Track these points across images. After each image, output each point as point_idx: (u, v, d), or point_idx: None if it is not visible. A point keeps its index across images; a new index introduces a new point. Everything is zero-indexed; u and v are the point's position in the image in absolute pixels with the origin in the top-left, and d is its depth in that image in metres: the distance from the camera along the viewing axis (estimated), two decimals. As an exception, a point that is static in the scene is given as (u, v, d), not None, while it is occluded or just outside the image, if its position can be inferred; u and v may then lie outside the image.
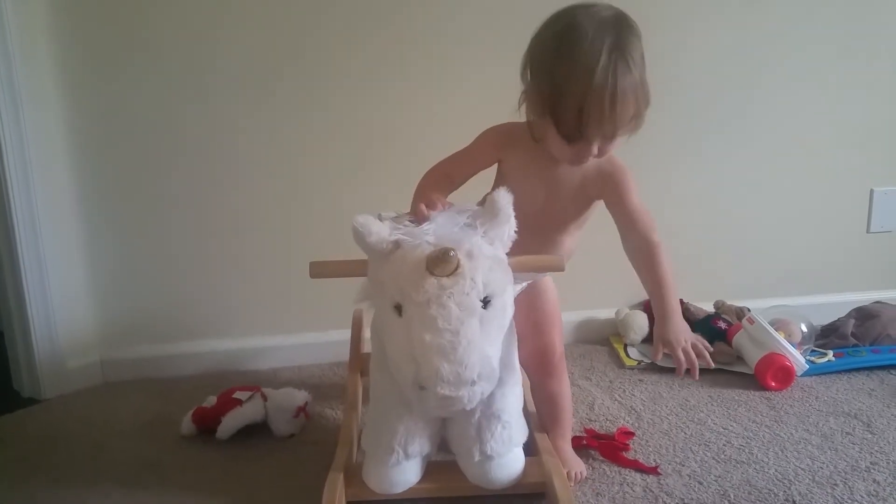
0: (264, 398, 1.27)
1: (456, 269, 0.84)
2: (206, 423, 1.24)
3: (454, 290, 0.83)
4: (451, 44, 1.54)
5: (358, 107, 1.54)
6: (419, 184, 1.03)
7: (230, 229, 1.56)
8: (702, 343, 0.96)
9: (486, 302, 0.86)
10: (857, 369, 1.47)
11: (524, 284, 1.03)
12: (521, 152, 1.01)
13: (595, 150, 0.93)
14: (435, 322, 0.82)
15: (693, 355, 0.95)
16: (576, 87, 0.87)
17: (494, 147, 1.03)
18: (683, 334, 0.96)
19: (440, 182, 1.03)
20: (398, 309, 0.86)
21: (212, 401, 1.29)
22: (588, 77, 0.86)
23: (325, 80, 1.52)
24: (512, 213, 0.90)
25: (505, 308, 0.89)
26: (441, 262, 0.83)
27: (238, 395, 1.27)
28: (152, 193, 1.52)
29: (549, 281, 1.11)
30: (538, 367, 1.11)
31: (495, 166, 1.07)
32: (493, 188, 1.03)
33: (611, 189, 1.00)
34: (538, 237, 1.01)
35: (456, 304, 0.83)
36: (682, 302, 1.65)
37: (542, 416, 1.13)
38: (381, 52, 1.52)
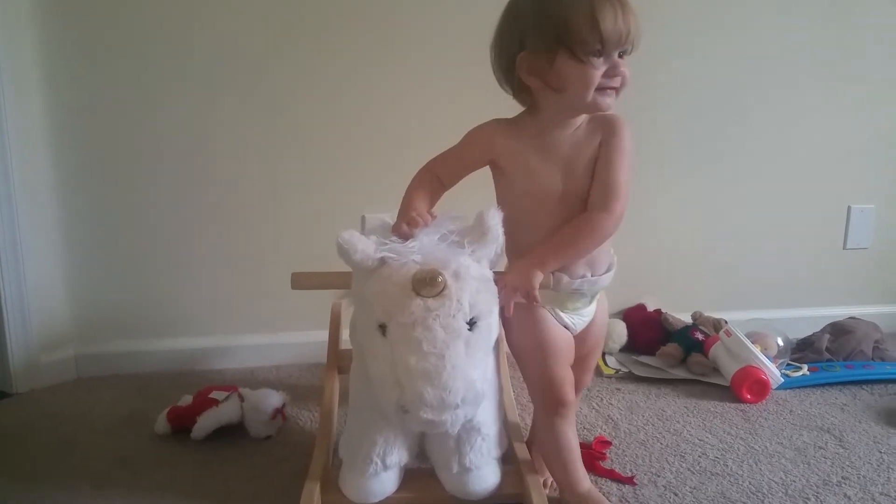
0: (241, 399, 1.26)
1: (442, 290, 0.82)
2: (182, 422, 1.23)
3: (440, 312, 0.81)
4: (438, 43, 1.54)
5: (341, 105, 1.53)
6: (408, 187, 0.98)
7: (209, 225, 1.54)
8: (529, 294, 0.91)
9: (471, 324, 0.84)
10: (831, 384, 1.49)
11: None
12: (517, 142, 0.94)
13: (622, 66, 0.87)
14: (420, 345, 0.80)
15: (506, 296, 0.91)
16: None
17: (483, 145, 0.96)
18: (519, 278, 0.91)
19: (430, 186, 0.98)
20: (382, 329, 0.84)
21: (187, 400, 1.27)
22: None
23: (307, 78, 1.51)
24: (501, 233, 0.88)
25: (491, 329, 0.87)
26: (427, 283, 0.82)
27: (215, 394, 1.26)
28: (131, 188, 1.50)
29: (603, 299, 1.06)
30: (551, 402, 0.99)
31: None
32: (497, 193, 1.00)
33: (607, 136, 0.93)
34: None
35: (442, 326, 0.81)
36: (660, 312, 1.68)
37: (549, 460, 1.04)
38: (364, 51, 1.52)
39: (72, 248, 1.50)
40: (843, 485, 1.10)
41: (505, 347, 1.23)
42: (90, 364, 1.53)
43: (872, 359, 1.60)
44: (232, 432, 1.23)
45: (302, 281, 0.97)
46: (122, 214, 1.51)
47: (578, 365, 1.03)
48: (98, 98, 1.45)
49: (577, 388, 1.07)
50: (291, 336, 1.60)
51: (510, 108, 0.98)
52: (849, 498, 1.07)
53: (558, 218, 0.93)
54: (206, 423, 1.21)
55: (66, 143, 1.45)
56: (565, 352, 0.98)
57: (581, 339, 1.03)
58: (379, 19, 1.51)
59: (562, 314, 0.99)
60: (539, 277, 0.91)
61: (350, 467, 0.97)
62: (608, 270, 0.99)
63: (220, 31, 1.47)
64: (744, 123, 1.72)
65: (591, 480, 1.10)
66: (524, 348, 0.99)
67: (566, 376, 0.97)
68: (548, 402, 0.98)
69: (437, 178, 0.99)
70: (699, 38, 1.66)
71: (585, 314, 1.01)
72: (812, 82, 1.73)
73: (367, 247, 0.85)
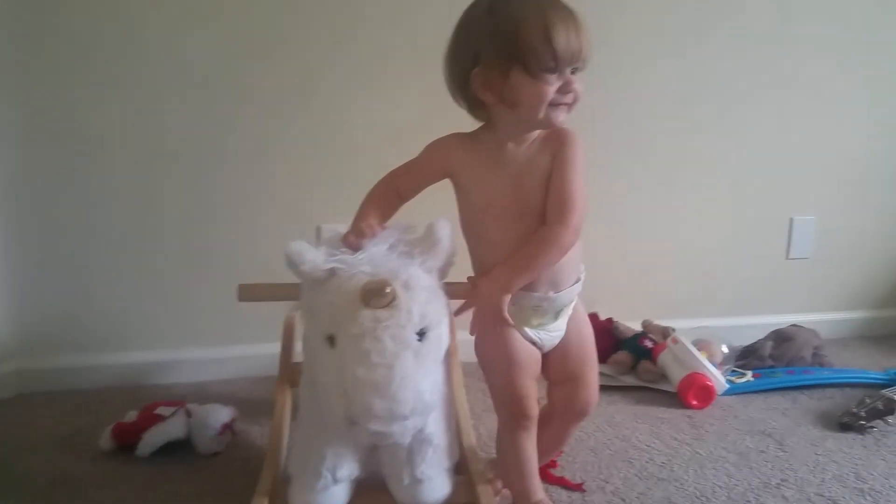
0: (188, 414, 1.23)
1: (392, 300, 0.82)
2: (126, 439, 1.20)
3: (390, 323, 0.81)
4: (399, 53, 1.55)
5: (299, 114, 1.53)
6: (364, 198, 0.99)
7: (157, 236, 1.52)
8: (499, 318, 0.92)
9: (421, 334, 0.84)
10: (773, 389, 1.54)
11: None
12: (473, 156, 0.96)
13: (575, 83, 0.89)
14: (368, 356, 0.80)
15: (475, 319, 0.94)
16: (534, 13, 0.86)
17: (441, 159, 0.97)
18: (488, 303, 0.93)
19: (386, 198, 0.99)
20: (331, 340, 0.83)
21: (133, 416, 1.25)
22: (539, 2, 0.87)
23: (264, 86, 1.51)
24: (450, 244, 0.89)
25: (441, 339, 0.88)
26: (376, 293, 0.81)
27: (161, 410, 1.23)
28: (76, 198, 1.47)
29: (580, 313, 1.04)
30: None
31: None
32: (459, 209, 1.00)
33: (558, 149, 0.94)
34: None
35: (391, 337, 0.81)
36: (611, 321, 1.71)
37: (506, 469, 1.04)
38: (323, 59, 1.52)
39: (13, 259, 1.45)
40: (782, 487, 1.14)
41: (458, 358, 1.24)
42: (32, 379, 1.48)
43: (812, 365, 1.66)
44: (179, 449, 1.20)
45: (249, 293, 0.96)
46: (67, 224, 1.47)
47: (573, 383, 1.03)
48: (41, 103, 1.41)
49: (578, 407, 1.05)
50: (243, 349, 1.58)
51: (471, 119, 0.98)
52: (786, 499, 1.10)
53: (517, 234, 0.94)
54: (151, 439, 1.18)
55: (7, 150, 1.41)
56: (530, 365, 0.99)
57: (561, 355, 1.02)
58: (338, 27, 1.52)
59: (528, 331, 0.99)
60: (507, 300, 0.92)
61: (299, 482, 0.96)
62: (574, 284, 0.99)
63: (173, 36, 1.45)
64: (689, 136, 1.78)
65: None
66: (489, 359, 1.00)
67: (529, 389, 0.98)
68: (511, 413, 0.98)
69: (394, 190, 1.00)
70: (649, 52, 1.70)
71: (552, 329, 1.00)
72: (755, 98, 1.80)
73: (315, 258, 0.85)
